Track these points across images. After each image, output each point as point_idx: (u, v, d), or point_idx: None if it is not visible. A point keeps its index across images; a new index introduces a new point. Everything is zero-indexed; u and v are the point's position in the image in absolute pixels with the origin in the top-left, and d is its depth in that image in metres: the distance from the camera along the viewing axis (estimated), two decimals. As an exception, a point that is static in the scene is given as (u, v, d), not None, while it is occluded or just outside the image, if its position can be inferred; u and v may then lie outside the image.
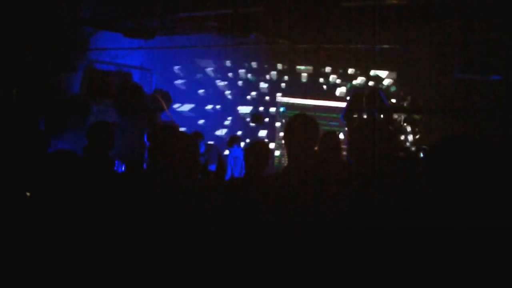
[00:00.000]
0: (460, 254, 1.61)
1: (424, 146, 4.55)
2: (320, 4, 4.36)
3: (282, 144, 7.20)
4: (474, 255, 1.59)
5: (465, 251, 1.61)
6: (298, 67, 7.57)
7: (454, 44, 4.66)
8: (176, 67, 8.03)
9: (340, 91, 7.49)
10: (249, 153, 2.89)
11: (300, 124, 2.35)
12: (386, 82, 7.06)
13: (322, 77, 7.56)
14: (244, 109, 7.97)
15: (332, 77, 7.55)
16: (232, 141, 6.42)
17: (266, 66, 7.79)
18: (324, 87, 7.50)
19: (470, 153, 1.72)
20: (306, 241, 2.02)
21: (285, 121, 2.11)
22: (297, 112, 6.54)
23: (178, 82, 8.06)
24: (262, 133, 7.81)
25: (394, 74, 7.00)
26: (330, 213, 2.14)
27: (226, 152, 6.95)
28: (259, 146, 2.97)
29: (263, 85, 7.93)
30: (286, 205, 2.15)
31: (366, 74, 7.19)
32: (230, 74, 8.05)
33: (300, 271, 2.00)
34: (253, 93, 7.98)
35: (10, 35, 4.84)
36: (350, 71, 7.42)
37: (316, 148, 2.43)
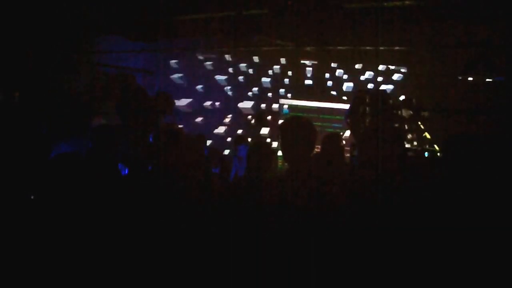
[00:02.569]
0: (464, 255, 1.60)
1: (429, 147, 4.54)
2: (323, 6, 4.36)
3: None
4: (483, 255, 1.58)
5: (469, 253, 1.60)
6: (302, 61, 7.36)
7: (457, 46, 4.66)
8: (172, 61, 7.67)
9: (344, 92, 7.40)
10: (252, 155, 2.88)
11: (294, 127, 2.32)
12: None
13: (326, 75, 7.42)
14: (245, 105, 7.58)
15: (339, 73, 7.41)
16: (239, 140, 6.25)
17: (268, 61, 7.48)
18: (329, 82, 7.34)
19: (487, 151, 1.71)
20: (307, 243, 2.02)
21: (279, 125, 2.10)
22: (300, 114, 6.52)
23: (175, 76, 7.66)
24: (264, 131, 7.41)
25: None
26: (332, 216, 2.13)
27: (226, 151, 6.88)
28: (262, 148, 2.96)
29: (265, 79, 7.54)
30: (288, 207, 2.15)
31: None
32: (230, 69, 7.63)
33: (300, 274, 1.99)
34: (255, 89, 7.61)
35: (12, 37, 4.85)
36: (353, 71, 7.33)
37: (314, 150, 2.41)
